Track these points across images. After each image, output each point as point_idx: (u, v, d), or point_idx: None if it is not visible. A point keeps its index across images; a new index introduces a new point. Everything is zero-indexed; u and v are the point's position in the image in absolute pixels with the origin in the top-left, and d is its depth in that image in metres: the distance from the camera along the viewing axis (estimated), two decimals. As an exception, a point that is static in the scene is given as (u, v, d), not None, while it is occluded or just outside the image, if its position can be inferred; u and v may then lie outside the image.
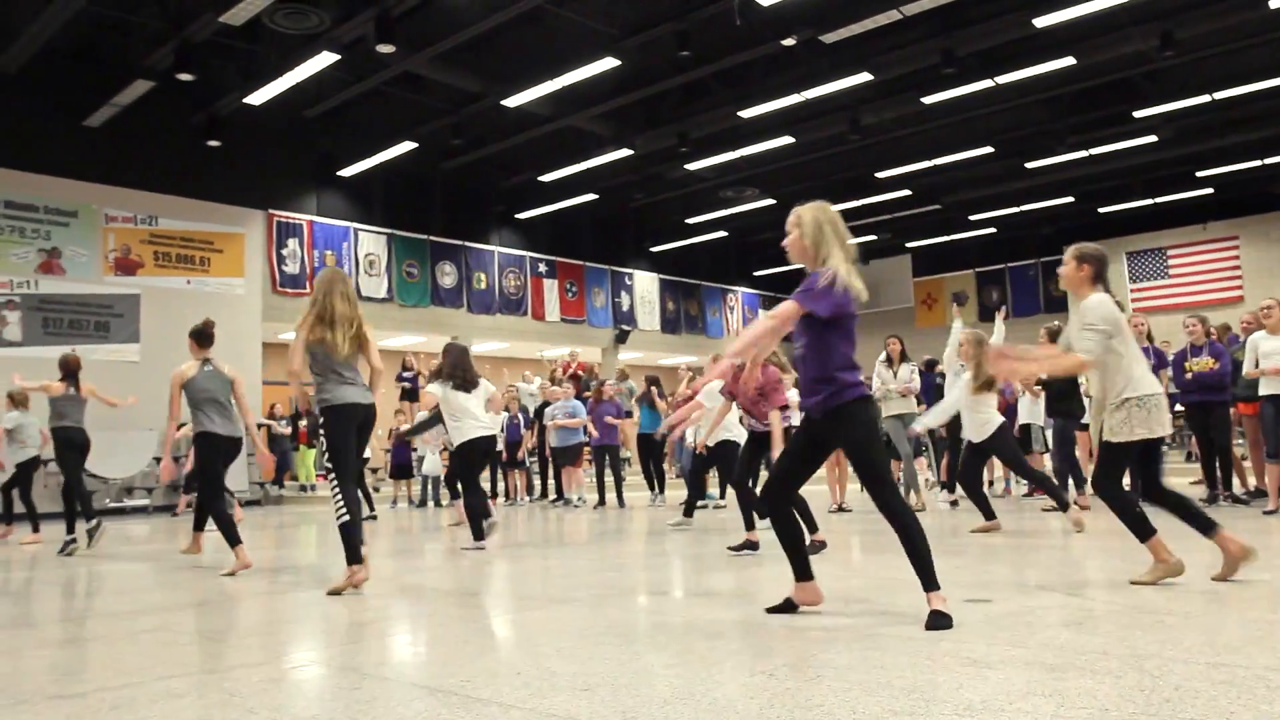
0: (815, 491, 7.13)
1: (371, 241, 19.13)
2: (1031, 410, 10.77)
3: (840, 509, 10.04)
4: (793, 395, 7.18)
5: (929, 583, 3.70)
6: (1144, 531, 4.53)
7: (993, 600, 4.21)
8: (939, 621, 3.56)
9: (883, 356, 10.67)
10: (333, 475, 5.29)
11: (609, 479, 12.63)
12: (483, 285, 21.16)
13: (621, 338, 24.19)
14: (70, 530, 8.68)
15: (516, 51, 14.48)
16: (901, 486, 10.04)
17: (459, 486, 8.56)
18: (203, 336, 6.84)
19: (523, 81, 14.76)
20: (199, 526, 7.49)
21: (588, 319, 23.51)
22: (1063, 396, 9.14)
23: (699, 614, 4.21)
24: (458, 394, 7.67)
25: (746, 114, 16.18)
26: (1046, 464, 10.37)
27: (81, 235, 14.93)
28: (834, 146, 18.47)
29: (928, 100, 15.79)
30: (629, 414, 13.39)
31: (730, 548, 6.59)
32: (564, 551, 7.47)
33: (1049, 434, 10.13)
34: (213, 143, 15.78)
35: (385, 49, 12.70)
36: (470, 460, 7.78)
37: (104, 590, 6.18)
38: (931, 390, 11.73)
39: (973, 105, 16.45)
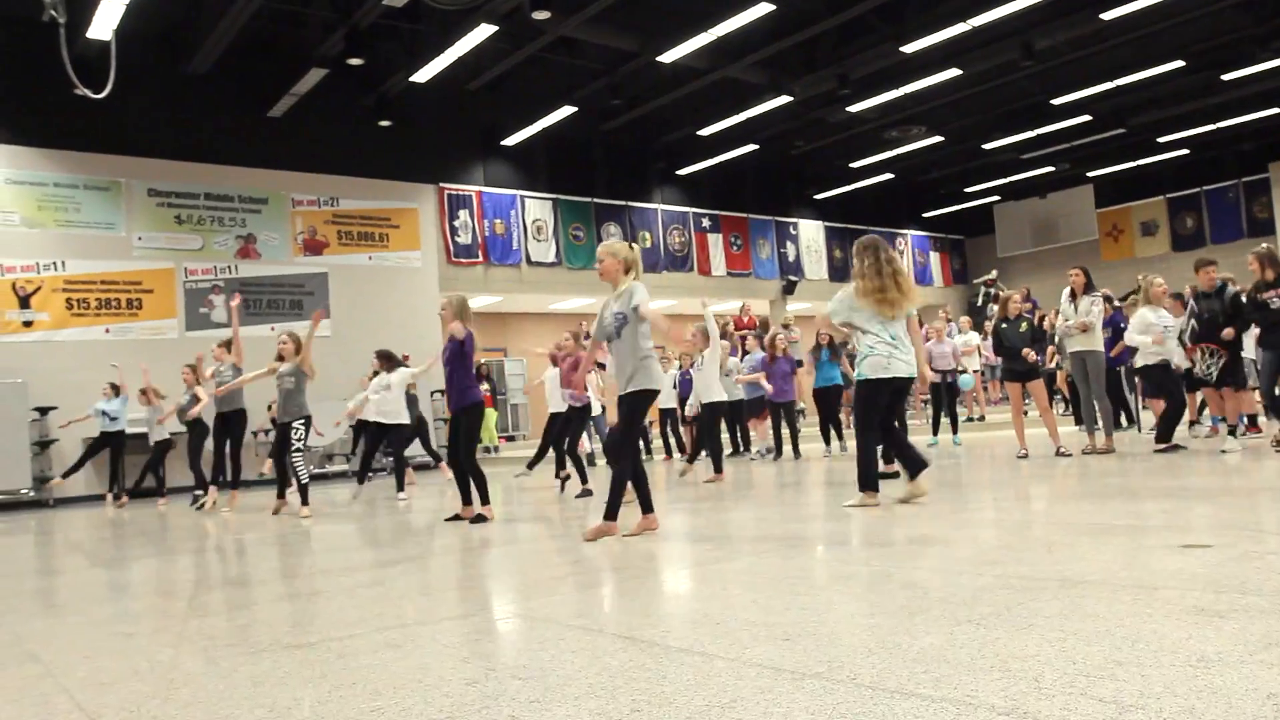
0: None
1: (538, 207, 19.53)
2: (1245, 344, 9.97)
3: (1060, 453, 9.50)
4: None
5: None
6: None
7: (1213, 545, 3.94)
8: None
9: (1066, 291, 10.11)
10: None
11: (785, 431, 12.58)
12: (648, 244, 21.28)
13: (789, 289, 23.88)
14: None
15: (669, 6, 14.36)
16: (1099, 427, 9.55)
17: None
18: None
19: (677, 36, 14.65)
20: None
21: (754, 271, 23.32)
22: (1275, 328, 8.43)
23: (889, 565, 4.13)
24: None
25: (909, 49, 15.52)
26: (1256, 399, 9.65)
27: (272, 220, 15.89)
28: (1005, 75, 17.52)
29: (1107, 16, 14.71)
30: (800, 364, 13.28)
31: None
32: (748, 503, 7.47)
33: (1259, 366, 9.40)
34: (384, 123, 16.42)
35: (541, 15, 12.84)
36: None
37: (318, 549, 6.62)
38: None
39: (1158, 17, 15.21)
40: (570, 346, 9.31)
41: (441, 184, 18.12)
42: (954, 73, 16.89)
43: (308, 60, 14.50)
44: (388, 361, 10.75)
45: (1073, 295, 9.96)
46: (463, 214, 18.36)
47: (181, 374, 11.15)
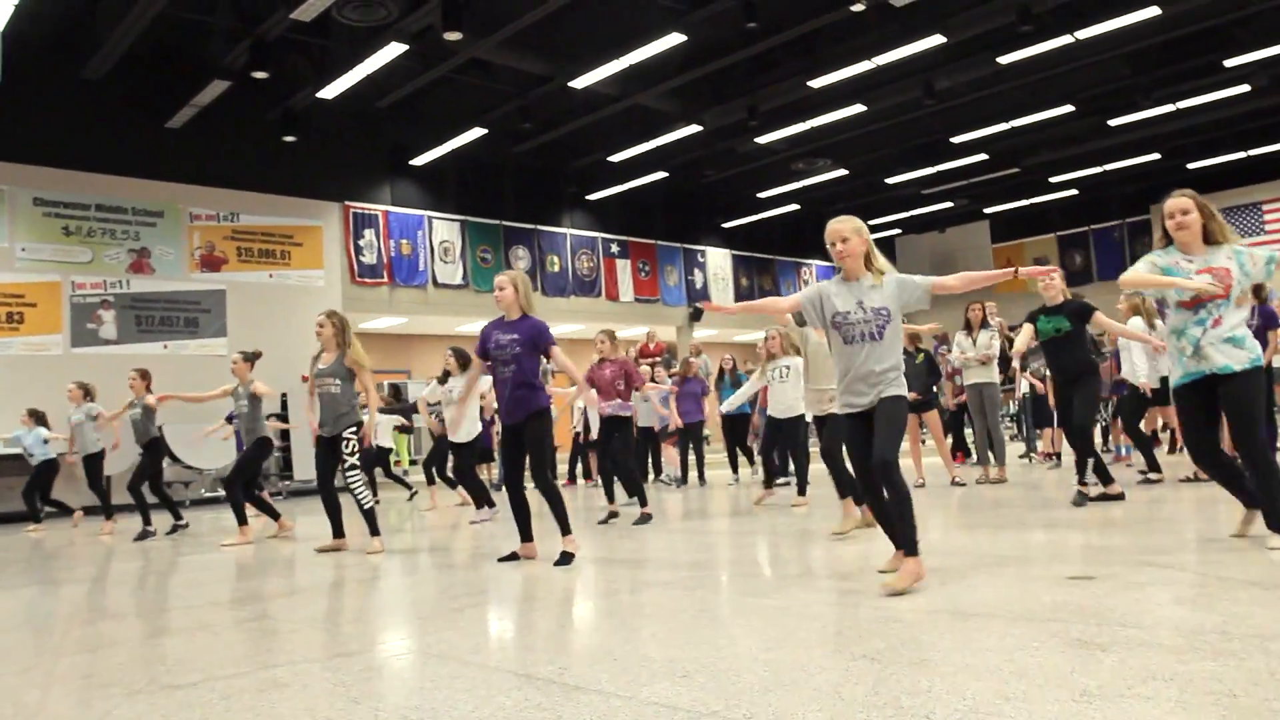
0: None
1: (445, 229, 19.31)
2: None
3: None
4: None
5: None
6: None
7: (1095, 577, 4.08)
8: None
9: (963, 324, 10.43)
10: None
11: (692, 457, 12.64)
12: (556, 268, 21.23)
13: (696, 315, 24.07)
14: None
15: (583, 31, 14.41)
16: (989, 454, 9.87)
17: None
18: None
19: (590, 61, 14.70)
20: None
21: (662, 298, 23.45)
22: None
23: (788, 598, 4.16)
24: None
25: (816, 84, 15.88)
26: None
27: (168, 234, 15.35)
28: (907, 113, 18.03)
29: (1004, 60, 15.29)
30: (706, 392, 13.37)
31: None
32: (651, 531, 7.46)
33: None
34: (288, 138, 16.05)
35: (452, 36, 12.74)
36: None
37: (206, 581, 6.36)
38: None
39: (1051, 63, 15.88)
40: (608, 349, 8.52)
41: (347, 202, 17.78)
42: (859, 108, 17.32)
43: (210, 71, 14.09)
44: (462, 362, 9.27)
45: (968, 328, 10.30)
46: (368, 233, 18.04)
47: (129, 381, 9.91)
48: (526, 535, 5.72)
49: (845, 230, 4.27)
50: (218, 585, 5.83)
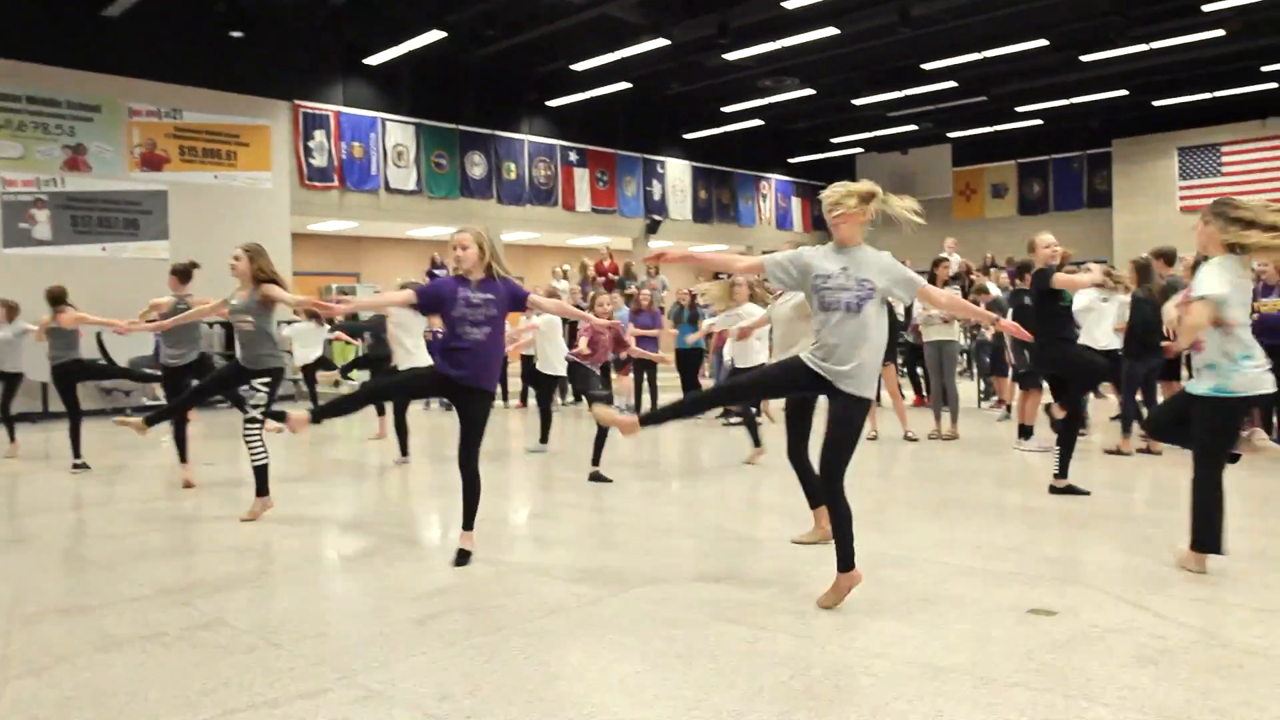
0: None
1: (399, 132, 18.64)
2: None
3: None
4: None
5: None
6: None
7: (1058, 613, 4.07)
8: None
9: (928, 279, 10.38)
10: None
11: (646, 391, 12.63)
12: (513, 175, 20.70)
13: (653, 227, 23.76)
14: None
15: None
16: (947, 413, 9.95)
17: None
18: None
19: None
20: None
21: (619, 209, 23.06)
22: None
23: (707, 627, 4.11)
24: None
25: (790, 4, 15.38)
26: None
27: (106, 130, 14.60)
28: (880, 38, 17.60)
29: (984, -10, 14.94)
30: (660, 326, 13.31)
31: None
32: (605, 495, 7.40)
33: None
34: (235, 34, 15.19)
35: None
36: None
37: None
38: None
39: (1031, -5, 15.55)
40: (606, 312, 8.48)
41: (297, 101, 17.02)
42: (832, 31, 16.86)
43: (150, -42, 13.23)
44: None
45: (933, 283, 10.22)
46: (319, 135, 17.35)
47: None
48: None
49: (849, 198, 4.21)
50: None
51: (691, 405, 6.00)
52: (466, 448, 5.17)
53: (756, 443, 8.61)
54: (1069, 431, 6.64)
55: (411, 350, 8.19)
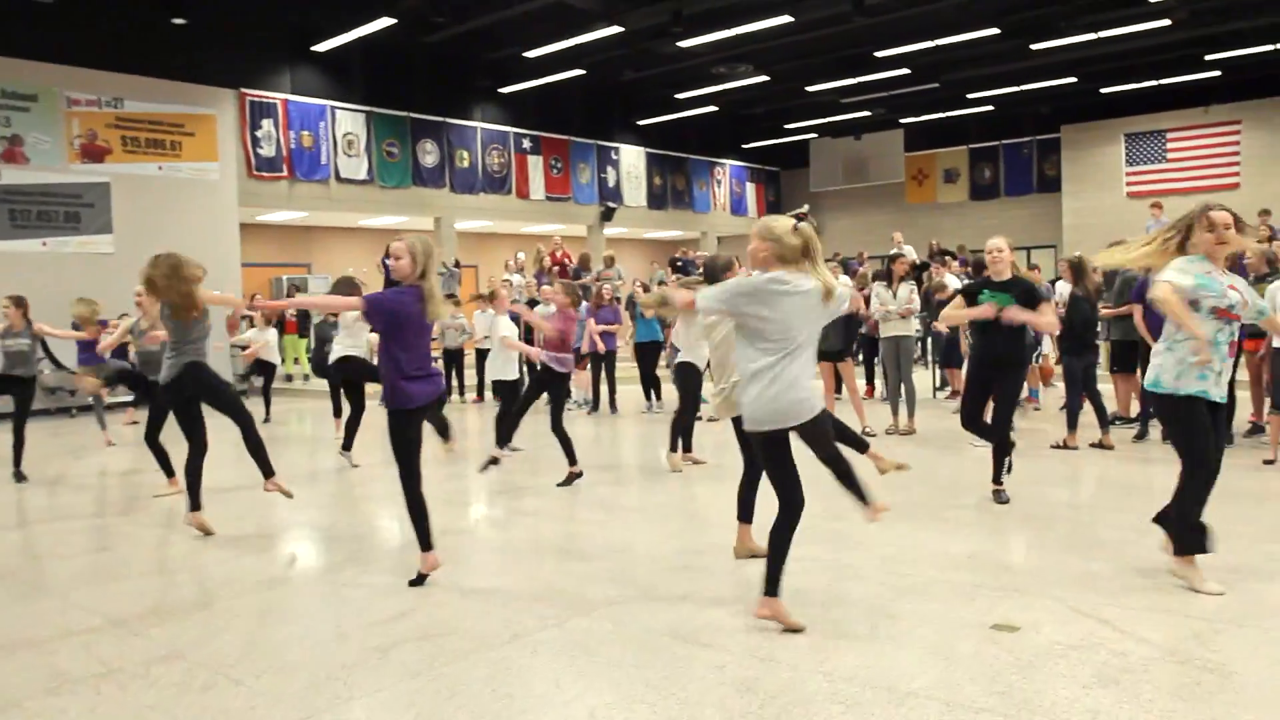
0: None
1: (349, 120, 18.34)
2: None
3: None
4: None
5: None
6: None
7: (1020, 628, 4.11)
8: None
9: (883, 276, 10.42)
10: None
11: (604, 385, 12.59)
12: (465, 163, 20.47)
13: (607, 214, 23.68)
14: None
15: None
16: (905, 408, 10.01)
17: None
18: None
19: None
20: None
21: (573, 196, 22.94)
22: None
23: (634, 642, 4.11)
24: None
25: (745, -8, 15.36)
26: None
27: (43, 120, 14.17)
28: (834, 26, 17.62)
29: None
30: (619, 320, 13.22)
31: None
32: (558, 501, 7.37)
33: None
34: (178, 20, 14.80)
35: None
36: None
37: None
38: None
39: (983, -15, 15.66)
40: (564, 301, 7.99)
41: (243, 89, 16.65)
42: (786, 19, 16.84)
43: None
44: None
45: (889, 279, 10.29)
46: (266, 124, 17.00)
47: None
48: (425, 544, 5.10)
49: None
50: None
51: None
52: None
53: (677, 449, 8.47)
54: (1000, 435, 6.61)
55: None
